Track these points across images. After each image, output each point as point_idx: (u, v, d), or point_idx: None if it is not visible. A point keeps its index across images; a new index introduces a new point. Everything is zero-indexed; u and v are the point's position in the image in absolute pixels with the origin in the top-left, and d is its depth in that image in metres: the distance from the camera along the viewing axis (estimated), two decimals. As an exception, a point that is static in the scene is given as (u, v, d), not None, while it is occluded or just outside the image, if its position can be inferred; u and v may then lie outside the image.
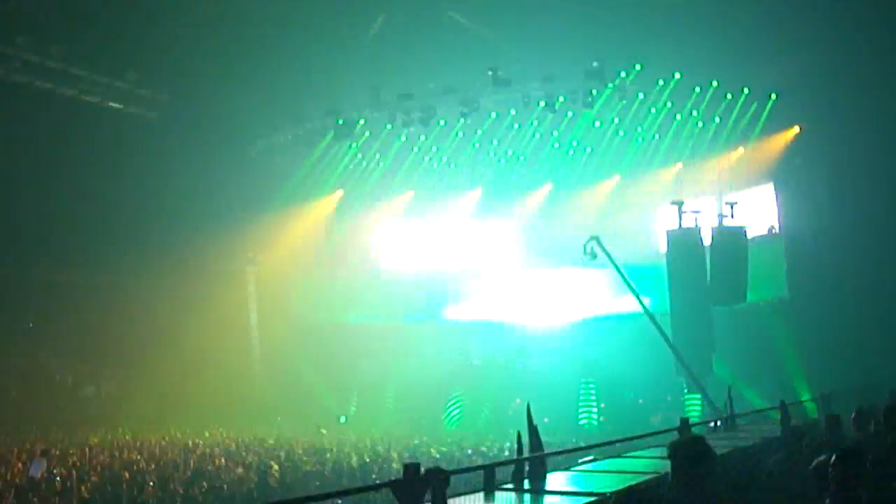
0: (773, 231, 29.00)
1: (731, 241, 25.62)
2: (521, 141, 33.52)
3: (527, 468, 8.93)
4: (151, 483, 17.82)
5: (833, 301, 25.70)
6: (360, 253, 36.85)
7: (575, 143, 33.13)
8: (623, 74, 29.57)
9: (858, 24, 24.21)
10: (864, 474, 6.52)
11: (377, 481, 13.31)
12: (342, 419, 33.20)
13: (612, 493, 7.73)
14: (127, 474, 19.06)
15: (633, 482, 8.40)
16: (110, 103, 31.57)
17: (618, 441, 11.74)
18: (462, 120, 32.69)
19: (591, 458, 10.87)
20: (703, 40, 26.09)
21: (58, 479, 18.64)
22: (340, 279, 36.86)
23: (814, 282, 26.89)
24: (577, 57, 29.16)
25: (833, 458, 6.56)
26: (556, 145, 33.45)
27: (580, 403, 30.83)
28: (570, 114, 31.78)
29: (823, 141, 26.51)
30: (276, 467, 19.35)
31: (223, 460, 21.20)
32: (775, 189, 29.39)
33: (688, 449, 5.98)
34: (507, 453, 19.87)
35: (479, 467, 8.72)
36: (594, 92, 30.30)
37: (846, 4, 24.36)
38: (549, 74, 30.46)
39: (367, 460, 20.64)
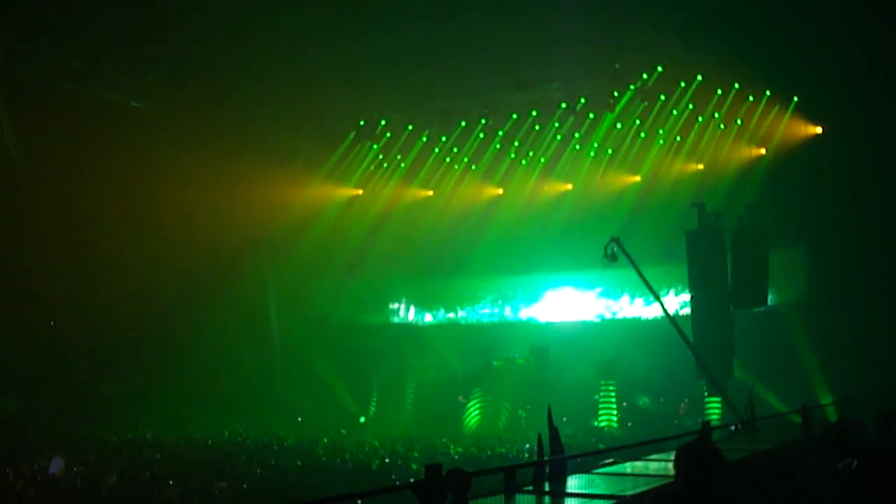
0: (795, 233, 28.83)
1: (752, 243, 25.49)
2: (542, 142, 33.45)
3: (547, 470, 8.93)
4: (171, 482, 17.90)
5: (855, 304, 25.56)
6: (379, 252, 36.76)
7: (596, 145, 33.04)
8: (645, 76, 29.59)
9: (882, 26, 24.10)
10: (886, 478, 6.49)
11: (397, 482, 13.34)
12: (362, 419, 33.22)
13: (632, 495, 7.73)
14: (146, 473, 19.15)
15: (654, 485, 8.39)
16: (133, 103, 31.61)
17: (638, 444, 11.73)
18: (483, 121, 32.71)
19: (611, 460, 10.86)
20: (725, 42, 26.00)
21: (78, 477, 18.75)
22: (360, 279, 36.88)
23: (836, 284, 26.77)
24: (598, 58, 29.17)
25: (854, 462, 6.54)
26: (578, 147, 33.37)
27: (600, 405, 30.72)
28: (591, 115, 31.75)
29: (845, 142, 26.39)
30: (297, 466, 19.43)
31: (242, 459, 21.26)
32: (797, 191, 29.23)
33: (692, 452, 5.97)
34: (526, 455, 19.86)
35: (499, 469, 8.72)
36: (616, 93, 30.33)
37: (870, 8, 24.26)
38: (571, 76, 30.50)
39: (387, 461, 20.65)
